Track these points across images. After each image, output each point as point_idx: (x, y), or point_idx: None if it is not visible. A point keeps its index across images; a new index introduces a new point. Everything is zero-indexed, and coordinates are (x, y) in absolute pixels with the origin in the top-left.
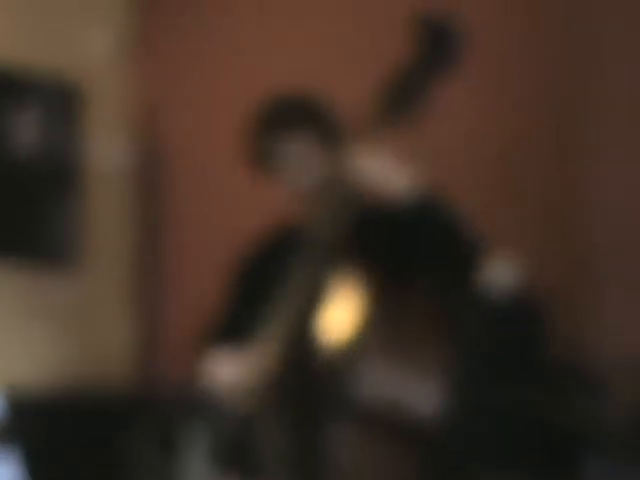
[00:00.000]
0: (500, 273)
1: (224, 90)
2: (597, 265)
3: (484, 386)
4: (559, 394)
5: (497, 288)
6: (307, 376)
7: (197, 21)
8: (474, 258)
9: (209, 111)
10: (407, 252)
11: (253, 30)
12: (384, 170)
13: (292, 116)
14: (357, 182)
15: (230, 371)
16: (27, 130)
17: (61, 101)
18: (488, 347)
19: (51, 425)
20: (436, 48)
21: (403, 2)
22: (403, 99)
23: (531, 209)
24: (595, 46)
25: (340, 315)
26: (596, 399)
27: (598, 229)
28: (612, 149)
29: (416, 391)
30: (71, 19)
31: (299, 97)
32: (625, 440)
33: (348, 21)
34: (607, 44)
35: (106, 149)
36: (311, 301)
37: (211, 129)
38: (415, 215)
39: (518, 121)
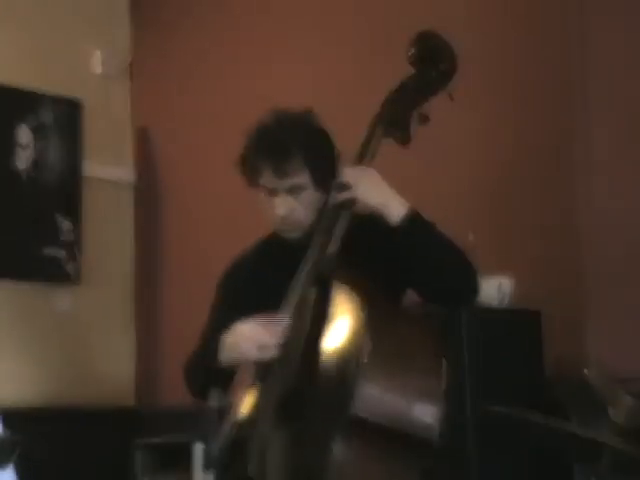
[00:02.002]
0: (496, 287)
1: (218, 108)
2: (590, 283)
3: (478, 402)
4: (554, 411)
5: (493, 302)
6: (306, 394)
7: (194, 39)
8: (465, 279)
9: (207, 128)
10: (401, 269)
11: (246, 50)
12: (376, 191)
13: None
14: (348, 202)
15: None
16: (26, 147)
17: (60, 118)
18: (485, 360)
19: (50, 442)
20: (434, 66)
21: (400, 21)
22: (401, 117)
23: (528, 226)
24: (593, 65)
25: (338, 331)
26: (592, 417)
27: (591, 248)
28: (606, 172)
29: (415, 409)
30: (71, 38)
31: (292, 115)
32: (621, 457)
33: (342, 43)
34: (604, 63)
35: (105, 166)
36: (309, 318)
37: (209, 146)
38: (404, 236)
39: (514, 140)
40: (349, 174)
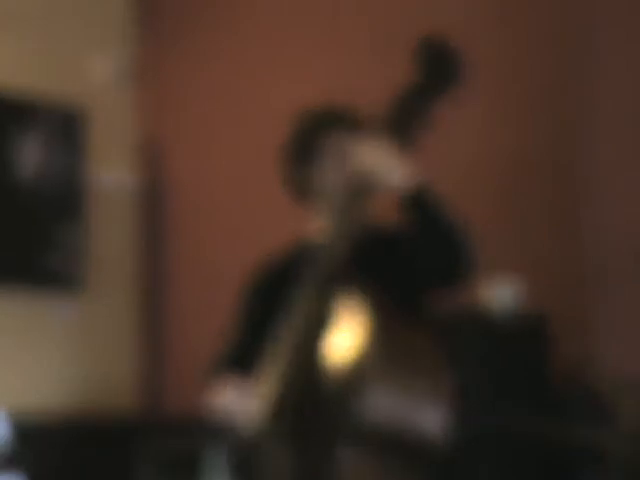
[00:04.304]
0: (502, 291)
1: (228, 114)
2: (596, 285)
3: (488, 407)
4: (562, 416)
5: (500, 306)
6: (313, 401)
7: (199, 47)
8: (470, 258)
9: (212, 135)
10: (408, 274)
11: (254, 57)
12: (383, 156)
13: (328, 119)
14: (358, 171)
15: (238, 398)
16: (31, 155)
17: (65, 126)
18: (491, 366)
19: (57, 450)
20: (437, 70)
21: (408, 24)
22: (404, 121)
23: (533, 229)
24: (599, 65)
25: (345, 339)
26: (599, 420)
27: (600, 247)
28: (612, 167)
29: (421, 415)
30: (75, 46)
31: (324, 106)
32: (628, 462)
33: (352, 46)
34: (607, 59)
35: (110, 173)
36: (316, 325)
37: (215, 153)
38: (411, 204)
39: (517, 141)
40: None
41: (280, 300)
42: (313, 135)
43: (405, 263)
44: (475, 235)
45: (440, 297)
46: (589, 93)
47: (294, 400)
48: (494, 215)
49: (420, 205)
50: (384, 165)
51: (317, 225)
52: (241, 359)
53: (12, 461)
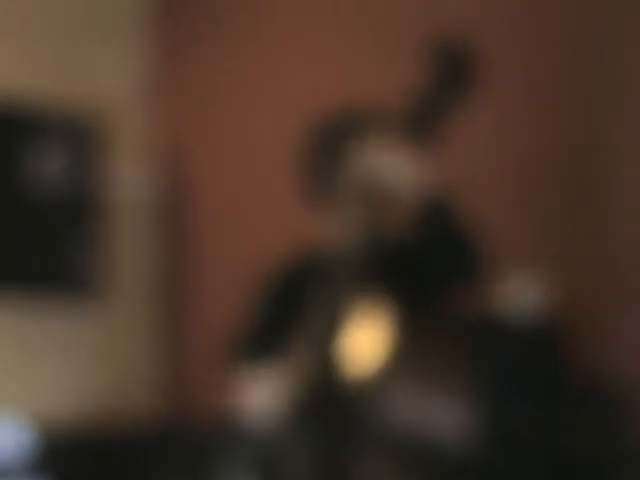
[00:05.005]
0: (522, 291)
1: (248, 119)
2: (619, 281)
3: (507, 408)
4: (582, 415)
5: (519, 307)
6: (333, 401)
7: (218, 50)
8: (481, 264)
9: (233, 140)
10: (427, 274)
11: (275, 58)
12: (398, 164)
13: (361, 122)
14: (373, 178)
15: (259, 396)
16: (50, 162)
17: (83, 132)
18: (511, 368)
19: (81, 456)
20: (453, 71)
21: (422, 24)
22: (421, 123)
23: (552, 225)
24: (613, 54)
25: (365, 339)
26: (619, 419)
27: (621, 245)
28: (633, 158)
29: (441, 416)
30: (91, 51)
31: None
32: None
33: (375, 49)
34: (625, 51)
35: (129, 180)
36: (337, 325)
37: (235, 158)
38: (427, 215)
39: (537, 138)
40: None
41: (299, 302)
42: (345, 135)
43: (420, 264)
44: (491, 237)
45: (458, 296)
46: (609, 87)
47: (315, 401)
48: (513, 212)
49: (433, 217)
50: (400, 169)
51: (334, 227)
52: (261, 359)
53: (36, 468)
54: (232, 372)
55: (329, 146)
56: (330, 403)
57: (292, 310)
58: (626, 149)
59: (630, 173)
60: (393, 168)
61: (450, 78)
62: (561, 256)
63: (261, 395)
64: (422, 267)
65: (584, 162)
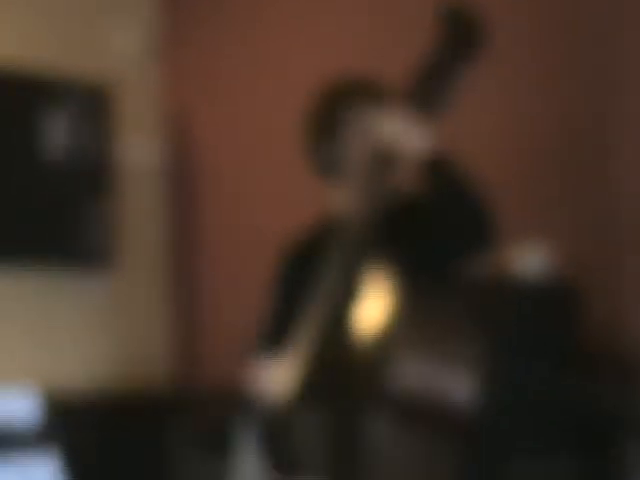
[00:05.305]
0: (531, 257)
1: (254, 86)
2: (630, 248)
3: (519, 373)
4: (595, 379)
5: (529, 272)
6: (342, 370)
7: (225, 19)
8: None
9: (239, 108)
10: (433, 239)
11: (282, 27)
12: (402, 126)
13: (350, 91)
14: (379, 143)
15: (272, 372)
16: (58, 132)
17: (91, 101)
18: (521, 333)
19: (90, 426)
20: (460, 38)
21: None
22: (429, 90)
23: (562, 192)
24: (627, 48)
25: (374, 307)
26: (634, 383)
27: (633, 213)
28: None
29: (451, 380)
30: (98, 20)
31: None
32: None
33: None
34: (633, 23)
35: (137, 148)
36: (345, 296)
37: (242, 126)
38: (430, 172)
39: (543, 106)
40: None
41: (312, 275)
42: (335, 108)
43: (427, 230)
44: (498, 201)
45: (469, 264)
46: (616, 55)
47: (325, 371)
48: (521, 180)
49: (438, 172)
50: (403, 135)
51: (342, 199)
52: (277, 336)
53: (44, 438)
54: (247, 357)
55: (327, 118)
56: (340, 371)
57: (304, 286)
58: (636, 111)
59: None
60: (395, 132)
61: (455, 45)
62: (571, 221)
63: (274, 377)
64: (433, 230)
65: (591, 126)
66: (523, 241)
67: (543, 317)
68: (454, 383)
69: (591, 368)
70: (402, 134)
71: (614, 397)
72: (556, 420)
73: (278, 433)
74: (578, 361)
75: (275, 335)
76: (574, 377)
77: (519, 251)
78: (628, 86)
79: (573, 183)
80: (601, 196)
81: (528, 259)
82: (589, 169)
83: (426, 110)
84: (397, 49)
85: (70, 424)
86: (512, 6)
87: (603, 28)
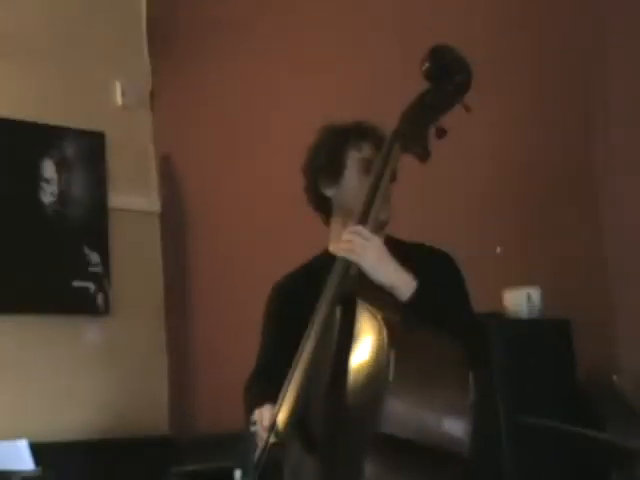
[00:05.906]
0: (523, 301)
1: (238, 133)
2: (617, 288)
3: (511, 413)
4: (587, 420)
5: (523, 313)
6: (336, 413)
7: (210, 68)
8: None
9: (228, 153)
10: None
11: (264, 76)
12: (383, 269)
13: (350, 133)
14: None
15: (265, 412)
16: (52, 179)
17: (85, 151)
18: (516, 373)
19: (83, 474)
20: (448, 82)
21: (416, 35)
22: (417, 134)
23: (552, 237)
24: (611, 66)
25: (366, 350)
26: (625, 420)
27: (618, 253)
28: (630, 167)
29: (444, 422)
30: (92, 72)
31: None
32: None
33: (361, 60)
34: (623, 63)
35: (130, 196)
36: (337, 337)
37: (229, 171)
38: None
39: (534, 147)
40: (356, 238)
41: (303, 314)
42: (338, 150)
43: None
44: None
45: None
46: (602, 93)
47: (317, 413)
48: (515, 224)
49: (423, 310)
50: (387, 281)
51: (337, 235)
52: (270, 376)
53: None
54: (243, 400)
55: (329, 159)
56: (333, 414)
57: (296, 324)
58: (622, 151)
59: (625, 174)
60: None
61: (441, 86)
62: (563, 262)
63: (268, 417)
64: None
65: (579, 166)
66: (517, 282)
67: (536, 356)
68: (446, 423)
69: (585, 405)
70: (387, 281)
71: (610, 434)
72: (553, 453)
73: (273, 474)
74: (572, 398)
75: (267, 371)
76: (569, 415)
77: (514, 292)
78: (616, 123)
79: (565, 226)
80: (592, 235)
81: (522, 300)
82: (579, 209)
83: (410, 151)
84: (396, 87)
85: (63, 473)
86: (505, 43)
87: (588, 77)
